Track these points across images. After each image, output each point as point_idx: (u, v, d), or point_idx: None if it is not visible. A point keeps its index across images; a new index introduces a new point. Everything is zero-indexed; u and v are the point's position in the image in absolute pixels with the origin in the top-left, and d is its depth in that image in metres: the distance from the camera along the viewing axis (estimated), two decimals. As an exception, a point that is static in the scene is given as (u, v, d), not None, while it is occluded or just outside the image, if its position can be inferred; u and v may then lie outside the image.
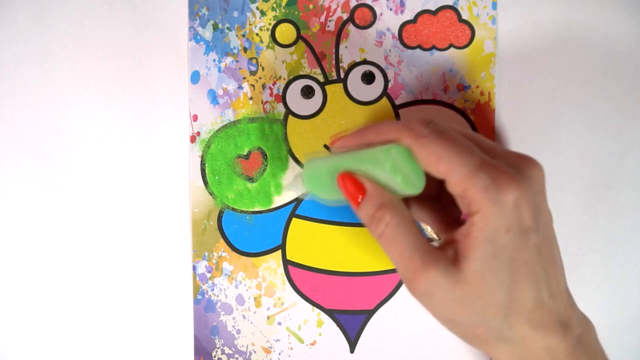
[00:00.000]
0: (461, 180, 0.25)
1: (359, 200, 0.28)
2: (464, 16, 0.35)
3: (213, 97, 0.36)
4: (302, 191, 0.36)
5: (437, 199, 0.32)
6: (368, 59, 0.36)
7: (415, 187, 0.27)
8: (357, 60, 0.36)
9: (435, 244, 0.27)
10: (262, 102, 0.36)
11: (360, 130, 0.30)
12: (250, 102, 0.36)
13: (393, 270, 0.36)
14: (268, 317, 0.37)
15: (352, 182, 0.28)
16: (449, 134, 0.26)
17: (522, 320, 0.26)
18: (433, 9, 0.35)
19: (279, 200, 0.36)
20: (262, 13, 0.36)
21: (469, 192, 0.25)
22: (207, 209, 0.36)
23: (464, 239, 0.26)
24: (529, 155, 0.27)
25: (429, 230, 0.35)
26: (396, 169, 0.26)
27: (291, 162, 0.36)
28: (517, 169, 0.26)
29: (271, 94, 0.36)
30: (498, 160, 0.26)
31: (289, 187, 0.36)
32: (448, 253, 0.26)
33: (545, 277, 0.26)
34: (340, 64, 0.36)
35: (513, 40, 0.36)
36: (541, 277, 0.26)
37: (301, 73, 0.36)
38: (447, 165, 0.25)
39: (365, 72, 0.36)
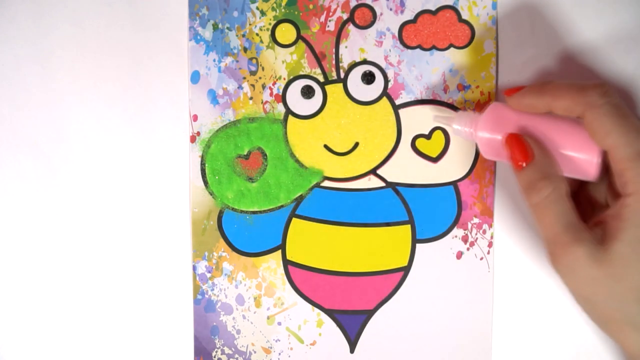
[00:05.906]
0: (622, 159, 0.26)
1: (522, 165, 0.28)
2: (464, 16, 0.35)
3: (213, 97, 0.36)
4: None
5: (575, 198, 0.31)
6: (368, 59, 0.36)
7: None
8: (357, 60, 0.36)
9: None
10: (262, 102, 0.36)
11: (538, 87, 0.30)
12: (250, 102, 0.36)
13: (393, 270, 0.36)
14: (268, 317, 0.37)
15: (520, 146, 0.28)
16: (623, 110, 0.27)
17: None
18: (433, 9, 0.35)
19: (283, 198, 0.36)
20: (262, 13, 0.36)
21: (627, 173, 0.26)
22: (207, 209, 0.36)
23: (613, 220, 0.26)
24: None
25: None
26: None
27: (293, 162, 0.36)
28: None
29: (271, 94, 0.36)
30: None
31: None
32: (596, 233, 0.27)
33: None
34: (340, 64, 0.36)
35: (513, 41, 0.36)
36: None
37: (301, 73, 0.36)
38: (613, 142, 0.26)
39: (365, 72, 0.36)
